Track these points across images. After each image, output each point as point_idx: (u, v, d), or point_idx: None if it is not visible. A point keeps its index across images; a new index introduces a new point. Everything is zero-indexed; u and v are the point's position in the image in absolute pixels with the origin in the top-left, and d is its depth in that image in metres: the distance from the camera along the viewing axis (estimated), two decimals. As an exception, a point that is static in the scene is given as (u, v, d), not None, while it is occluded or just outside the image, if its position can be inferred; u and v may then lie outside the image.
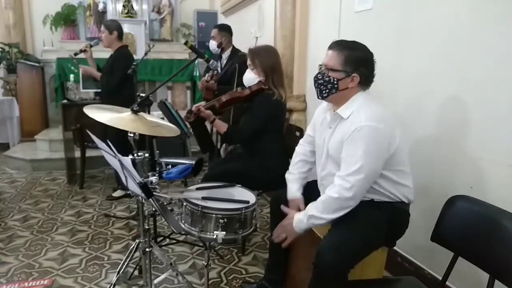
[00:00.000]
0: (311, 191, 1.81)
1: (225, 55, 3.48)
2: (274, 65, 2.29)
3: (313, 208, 1.56)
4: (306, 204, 1.73)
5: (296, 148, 1.93)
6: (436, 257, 1.86)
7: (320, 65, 1.61)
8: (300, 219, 1.59)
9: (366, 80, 1.56)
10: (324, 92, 1.58)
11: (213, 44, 3.45)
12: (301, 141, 1.92)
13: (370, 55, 1.57)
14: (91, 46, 3.39)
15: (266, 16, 3.81)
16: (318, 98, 1.63)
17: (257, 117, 2.28)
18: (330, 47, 1.58)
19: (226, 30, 3.47)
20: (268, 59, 2.29)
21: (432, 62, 1.91)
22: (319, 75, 1.59)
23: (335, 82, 1.54)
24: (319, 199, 1.55)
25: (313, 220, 1.55)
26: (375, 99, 1.60)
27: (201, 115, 2.36)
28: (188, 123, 2.52)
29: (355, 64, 1.53)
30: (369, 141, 1.45)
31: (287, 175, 1.88)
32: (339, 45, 1.56)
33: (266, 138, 2.30)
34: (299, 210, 1.71)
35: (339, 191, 1.49)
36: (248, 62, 2.33)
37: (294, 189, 1.81)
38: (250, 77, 2.31)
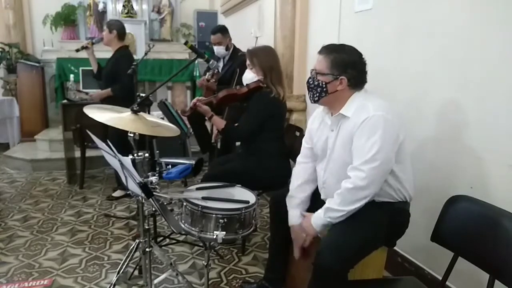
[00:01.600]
0: (312, 193, 1.81)
1: (227, 52, 3.48)
2: (272, 65, 2.31)
3: (330, 201, 1.55)
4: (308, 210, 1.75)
5: (295, 169, 1.86)
6: (436, 257, 1.86)
7: (312, 70, 1.64)
8: (318, 214, 1.57)
9: (356, 81, 1.57)
10: (315, 95, 1.61)
11: (221, 50, 3.40)
12: (299, 158, 1.84)
13: (358, 57, 1.58)
14: (92, 43, 3.38)
15: (266, 16, 3.81)
16: (311, 102, 1.66)
17: (255, 115, 2.28)
18: (319, 52, 1.62)
19: (226, 31, 3.46)
20: (266, 59, 2.31)
21: (432, 62, 1.91)
22: (310, 79, 1.62)
23: (324, 86, 1.57)
24: (336, 192, 1.53)
25: (330, 213, 1.52)
26: (376, 95, 1.61)
27: (199, 109, 2.36)
28: (188, 123, 2.52)
29: (342, 67, 1.55)
30: (380, 130, 1.46)
31: (288, 199, 1.79)
32: (326, 49, 1.59)
33: (266, 137, 2.30)
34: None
35: (353, 181, 1.48)
36: (247, 62, 2.35)
37: (295, 216, 1.73)
38: (249, 77, 2.32)
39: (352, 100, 1.58)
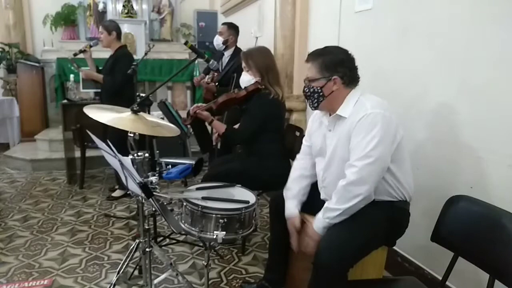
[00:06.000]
0: (311, 193, 1.81)
1: (228, 53, 3.50)
2: (268, 65, 2.30)
3: (328, 202, 1.55)
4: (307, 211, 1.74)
5: (294, 163, 1.89)
6: (436, 257, 1.86)
7: (305, 79, 1.65)
8: (318, 217, 1.57)
9: (349, 78, 1.58)
10: (314, 102, 1.62)
11: (218, 39, 3.46)
12: (298, 155, 1.88)
13: (344, 54, 1.59)
14: (90, 46, 3.38)
15: (266, 16, 3.81)
16: (312, 109, 1.68)
17: (255, 117, 2.28)
18: (306, 60, 1.64)
19: (234, 28, 3.51)
20: (261, 60, 2.31)
21: (432, 62, 1.91)
22: (305, 88, 1.64)
23: (320, 91, 1.59)
24: (333, 192, 1.54)
25: (328, 213, 1.52)
26: (372, 94, 1.61)
27: (199, 116, 2.36)
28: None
29: (332, 67, 1.56)
30: (377, 127, 1.46)
31: (285, 192, 1.81)
32: (312, 55, 1.62)
33: (266, 138, 2.30)
34: (296, 228, 1.69)
35: (348, 177, 1.49)
36: (243, 65, 2.34)
37: (292, 206, 1.73)
38: (247, 79, 2.32)
39: (349, 99, 1.58)
